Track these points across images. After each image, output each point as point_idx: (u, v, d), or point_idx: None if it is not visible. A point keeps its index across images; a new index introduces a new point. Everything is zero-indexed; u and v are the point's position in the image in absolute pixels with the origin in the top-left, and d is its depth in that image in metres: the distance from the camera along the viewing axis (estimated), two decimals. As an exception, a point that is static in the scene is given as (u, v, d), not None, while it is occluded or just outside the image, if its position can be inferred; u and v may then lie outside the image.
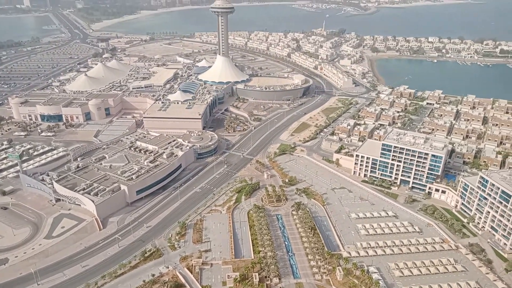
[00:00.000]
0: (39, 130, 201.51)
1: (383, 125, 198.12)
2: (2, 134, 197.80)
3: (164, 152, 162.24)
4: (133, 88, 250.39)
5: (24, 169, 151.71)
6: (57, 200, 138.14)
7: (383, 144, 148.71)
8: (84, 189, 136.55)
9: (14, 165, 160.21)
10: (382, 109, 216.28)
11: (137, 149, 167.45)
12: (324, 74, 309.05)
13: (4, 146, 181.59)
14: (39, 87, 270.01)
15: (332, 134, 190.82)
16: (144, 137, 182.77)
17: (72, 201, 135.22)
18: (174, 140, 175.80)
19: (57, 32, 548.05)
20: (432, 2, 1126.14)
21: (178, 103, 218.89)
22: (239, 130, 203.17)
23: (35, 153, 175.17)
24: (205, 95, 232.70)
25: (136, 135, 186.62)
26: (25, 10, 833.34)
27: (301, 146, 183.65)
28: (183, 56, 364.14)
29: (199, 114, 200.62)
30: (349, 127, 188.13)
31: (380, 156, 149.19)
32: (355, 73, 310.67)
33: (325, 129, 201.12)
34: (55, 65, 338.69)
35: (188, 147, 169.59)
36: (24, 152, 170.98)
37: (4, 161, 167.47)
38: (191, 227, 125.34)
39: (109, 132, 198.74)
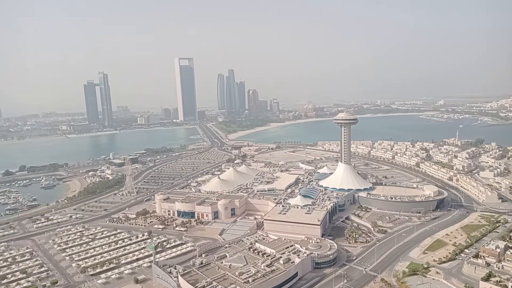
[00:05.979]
0: (174, 225, 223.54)
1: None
2: (144, 226, 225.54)
3: (281, 257, 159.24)
4: (257, 191, 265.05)
5: (157, 260, 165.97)
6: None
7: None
8: (204, 286, 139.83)
9: (149, 255, 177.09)
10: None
11: (255, 251, 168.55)
12: (461, 186, 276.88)
13: (144, 237, 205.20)
14: (180, 186, 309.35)
15: (476, 256, 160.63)
16: (263, 239, 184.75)
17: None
18: (292, 246, 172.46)
19: (200, 141, 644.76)
20: None
21: (297, 207, 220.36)
22: (361, 242, 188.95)
23: (168, 245, 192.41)
24: (325, 201, 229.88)
25: (256, 237, 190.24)
26: (179, 124, 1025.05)
27: (437, 267, 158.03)
28: (306, 162, 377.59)
29: (318, 220, 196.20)
30: (498, 250, 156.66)
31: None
32: (500, 186, 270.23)
33: (466, 250, 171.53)
34: (195, 168, 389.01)
35: (305, 254, 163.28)
36: (159, 244, 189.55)
37: (142, 250, 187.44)
38: None
39: (232, 231, 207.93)
